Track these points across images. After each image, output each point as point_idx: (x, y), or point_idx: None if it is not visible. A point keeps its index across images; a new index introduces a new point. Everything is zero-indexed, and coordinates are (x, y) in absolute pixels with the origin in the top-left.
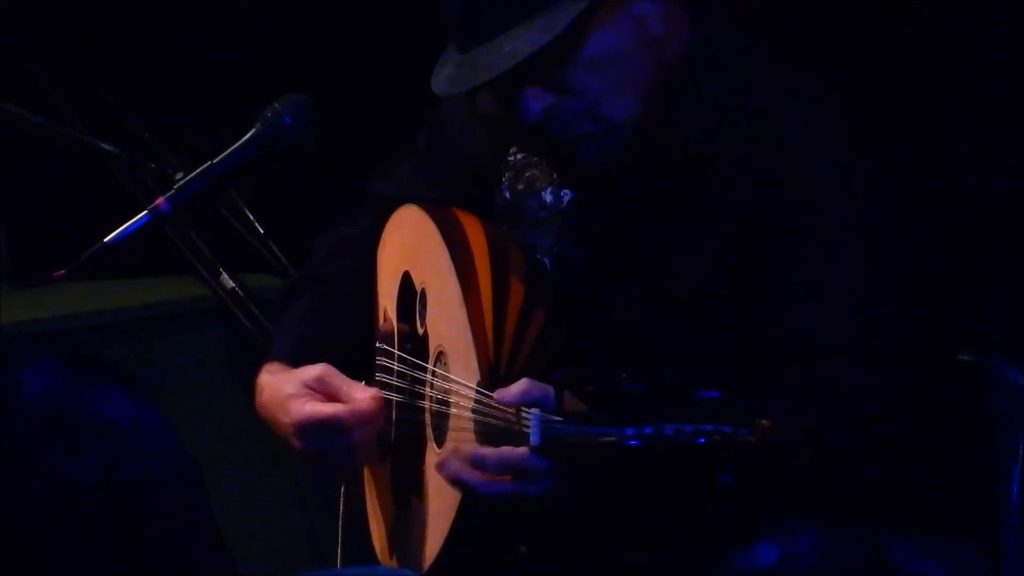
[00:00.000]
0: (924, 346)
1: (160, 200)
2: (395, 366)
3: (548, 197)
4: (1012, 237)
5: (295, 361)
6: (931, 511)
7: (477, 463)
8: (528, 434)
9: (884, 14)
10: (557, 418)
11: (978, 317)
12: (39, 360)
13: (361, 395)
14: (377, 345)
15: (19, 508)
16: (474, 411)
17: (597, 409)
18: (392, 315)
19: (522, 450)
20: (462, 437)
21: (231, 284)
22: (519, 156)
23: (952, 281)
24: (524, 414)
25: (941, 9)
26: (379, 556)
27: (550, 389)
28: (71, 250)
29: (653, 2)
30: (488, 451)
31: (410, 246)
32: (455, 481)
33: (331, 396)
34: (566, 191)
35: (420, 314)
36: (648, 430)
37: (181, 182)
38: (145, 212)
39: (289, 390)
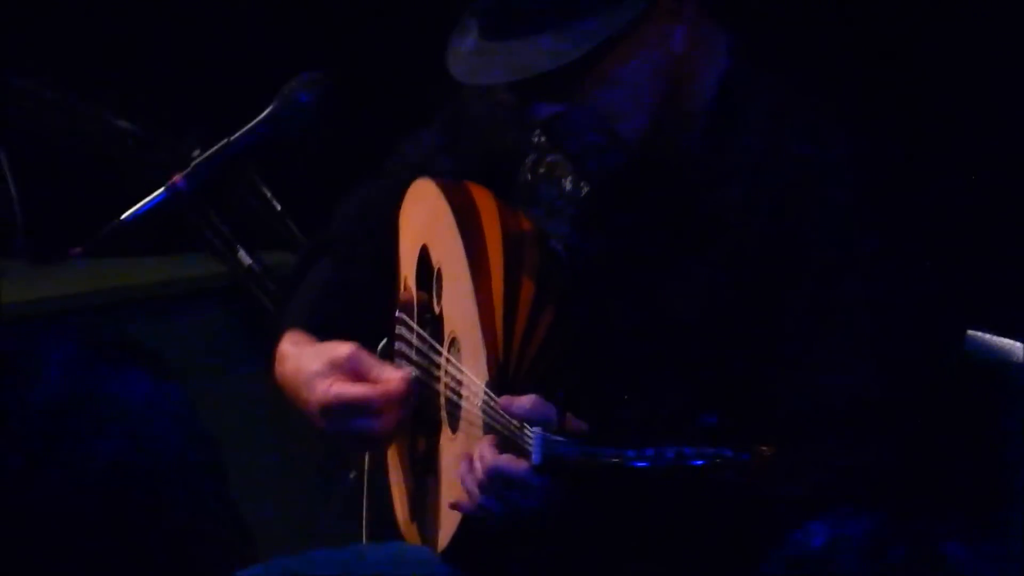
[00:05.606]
0: (936, 348)
1: (177, 177)
2: (414, 340)
3: (568, 185)
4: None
5: (317, 331)
6: (939, 507)
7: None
8: (531, 451)
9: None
10: (559, 438)
11: (983, 324)
12: (61, 341)
13: (392, 375)
14: (397, 314)
15: (36, 491)
16: (483, 411)
17: (599, 430)
18: (412, 284)
19: (523, 466)
20: (472, 432)
21: (248, 261)
22: (543, 139)
23: (956, 291)
24: (528, 431)
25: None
26: (401, 525)
27: (555, 409)
28: (88, 227)
29: (682, 24)
30: (489, 460)
31: (427, 223)
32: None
33: (360, 376)
34: (586, 183)
35: (436, 292)
36: (649, 452)
37: (198, 159)
38: (162, 189)
39: (315, 367)
